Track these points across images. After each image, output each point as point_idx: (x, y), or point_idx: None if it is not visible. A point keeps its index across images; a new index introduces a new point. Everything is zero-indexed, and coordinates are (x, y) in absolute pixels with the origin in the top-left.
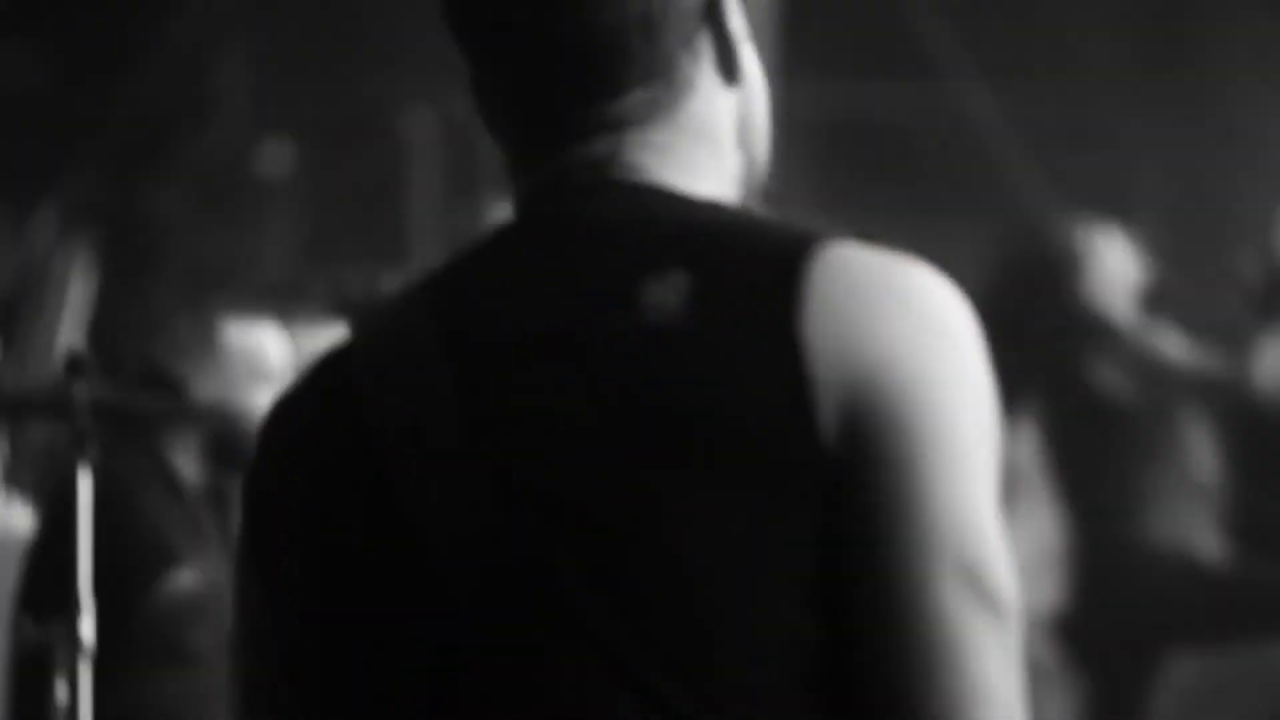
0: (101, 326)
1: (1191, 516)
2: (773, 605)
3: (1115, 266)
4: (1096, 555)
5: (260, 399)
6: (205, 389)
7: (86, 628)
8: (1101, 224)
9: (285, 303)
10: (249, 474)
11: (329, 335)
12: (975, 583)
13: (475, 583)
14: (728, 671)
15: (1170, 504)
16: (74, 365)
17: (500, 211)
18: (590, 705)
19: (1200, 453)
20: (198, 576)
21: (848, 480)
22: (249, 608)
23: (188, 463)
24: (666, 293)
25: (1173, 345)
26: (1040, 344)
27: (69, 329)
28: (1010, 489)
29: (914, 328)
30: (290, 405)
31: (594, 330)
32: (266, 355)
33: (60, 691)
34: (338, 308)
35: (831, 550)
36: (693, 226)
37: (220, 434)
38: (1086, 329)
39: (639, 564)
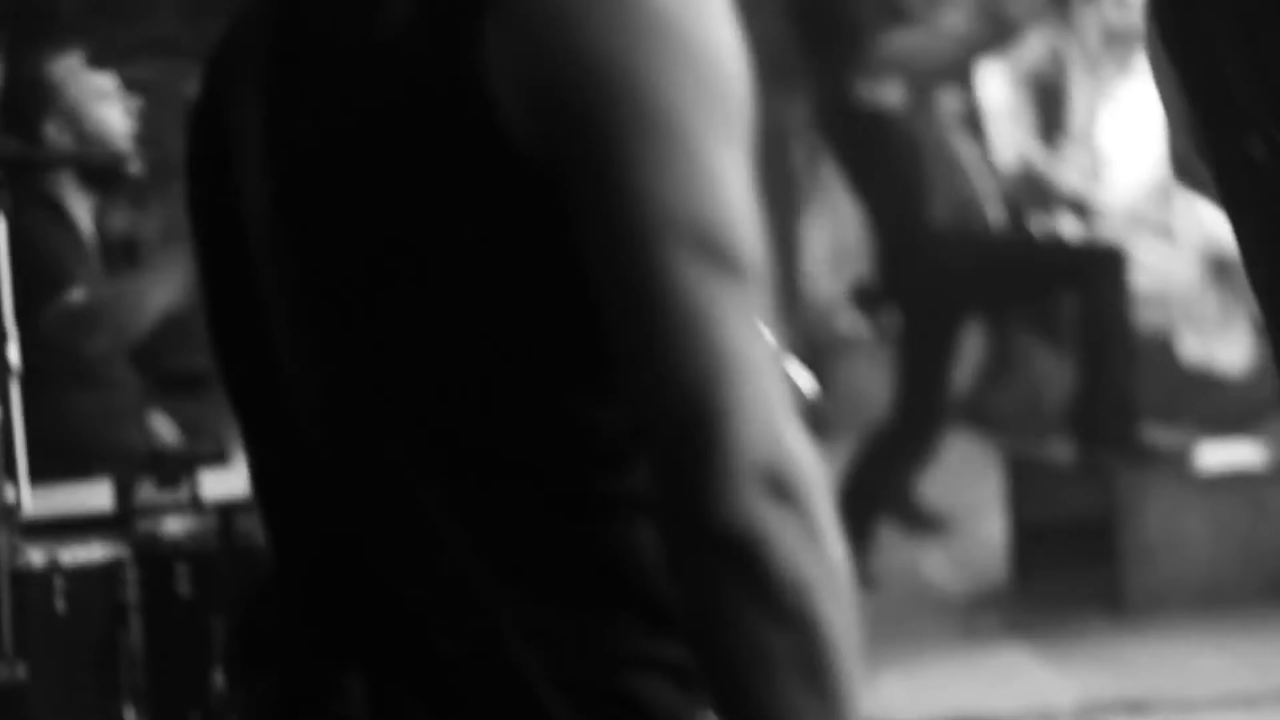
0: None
1: (968, 195)
2: (480, 297)
3: None
4: (889, 240)
5: (115, 123)
6: (60, 137)
7: (12, 353)
8: None
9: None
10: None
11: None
12: (703, 247)
13: (261, 241)
14: (435, 364)
15: (946, 189)
16: None
17: None
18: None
19: (961, 141)
20: (86, 292)
21: (560, 173)
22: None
23: (77, 199)
24: (399, 3)
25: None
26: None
27: None
28: (807, 188)
29: (607, 5)
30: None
31: (337, 40)
32: (111, 89)
33: None
34: None
35: (561, 241)
36: None
37: (96, 166)
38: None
39: (345, 260)
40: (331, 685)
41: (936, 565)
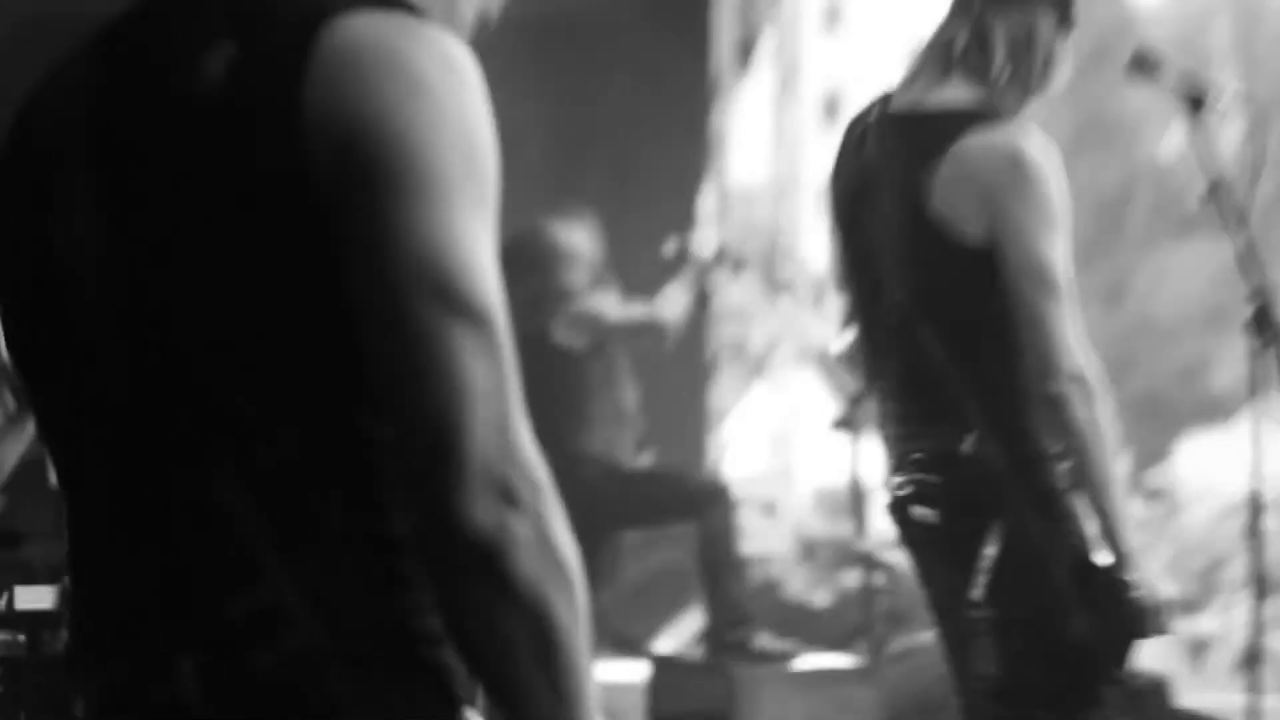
0: None
1: (617, 436)
2: (276, 328)
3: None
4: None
5: None
6: None
7: None
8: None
9: None
10: None
11: None
12: (447, 296)
13: (87, 280)
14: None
15: (602, 427)
16: None
17: None
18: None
19: (625, 387)
20: None
21: (338, 225)
22: None
23: None
24: (216, 63)
25: (609, 303)
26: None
27: None
28: None
29: (394, 85)
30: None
31: (156, 97)
32: None
33: None
34: None
35: (335, 283)
36: (256, 2)
37: None
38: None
39: (168, 303)
40: (165, 667)
41: None
